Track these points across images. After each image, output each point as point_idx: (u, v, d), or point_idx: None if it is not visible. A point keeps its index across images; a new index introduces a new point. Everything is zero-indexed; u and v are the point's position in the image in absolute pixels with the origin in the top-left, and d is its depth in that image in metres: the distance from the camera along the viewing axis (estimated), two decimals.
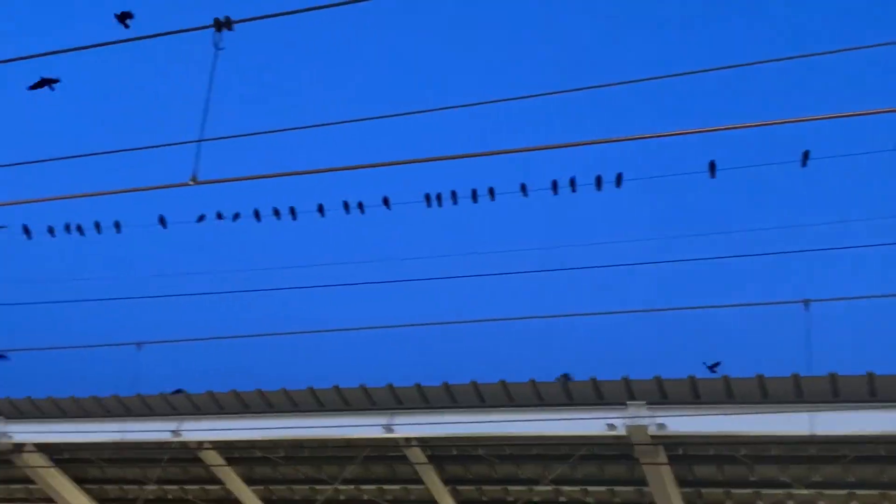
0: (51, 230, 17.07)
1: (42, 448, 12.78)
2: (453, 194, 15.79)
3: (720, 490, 11.37)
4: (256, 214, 17.07)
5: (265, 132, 5.36)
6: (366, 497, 12.80)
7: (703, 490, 11.39)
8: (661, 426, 10.03)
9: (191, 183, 4.95)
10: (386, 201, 16.33)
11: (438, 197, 15.84)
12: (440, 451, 11.69)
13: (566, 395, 10.50)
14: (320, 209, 16.55)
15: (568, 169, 14.37)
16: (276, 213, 16.93)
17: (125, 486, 13.59)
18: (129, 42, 4.82)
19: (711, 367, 11.64)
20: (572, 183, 14.41)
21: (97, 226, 17.09)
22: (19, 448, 12.62)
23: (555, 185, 14.54)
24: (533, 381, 10.54)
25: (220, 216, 17.23)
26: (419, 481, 11.99)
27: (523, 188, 15.15)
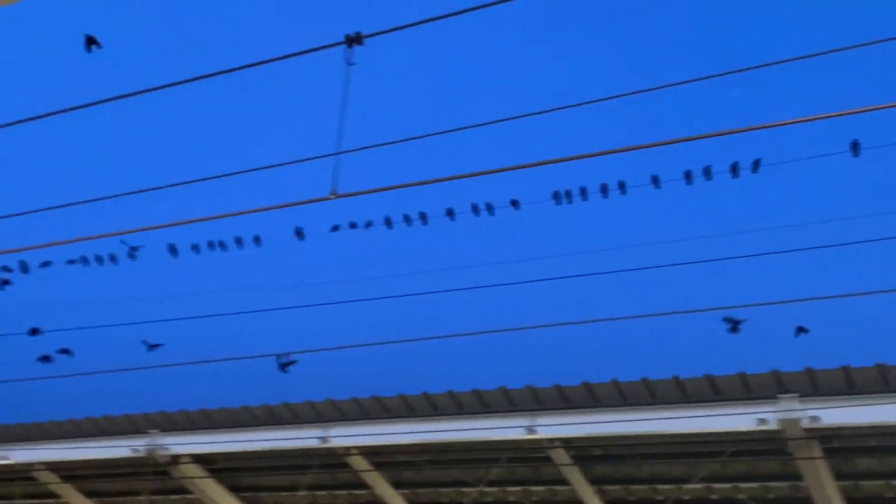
0: (195, 247, 17.72)
1: (198, 459, 13.25)
2: (582, 191, 15.65)
3: (881, 482, 10.92)
4: (388, 222, 17.31)
5: (399, 141, 5.43)
6: (511, 498, 12.81)
7: (862, 483, 10.97)
8: (815, 419, 9.71)
9: (331, 197, 5.06)
10: (514, 203, 16.31)
11: (567, 194, 15.73)
12: (584, 452, 11.59)
13: (712, 390, 10.26)
14: (449, 213, 16.69)
15: (703, 159, 14.06)
16: (407, 219, 17.13)
17: (278, 493, 13.96)
18: (266, 64, 4.95)
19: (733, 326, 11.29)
20: (707, 172, 14.09)
21: (238, 241, 17.67)
22: (176, 460, 13.11)
23: (688, 176, 14.26)
24: (676, 378, 10.35)
25: (353, 226, 17.54)
26: (565, 482, 11.92)
27: (654, 180, 14.89)
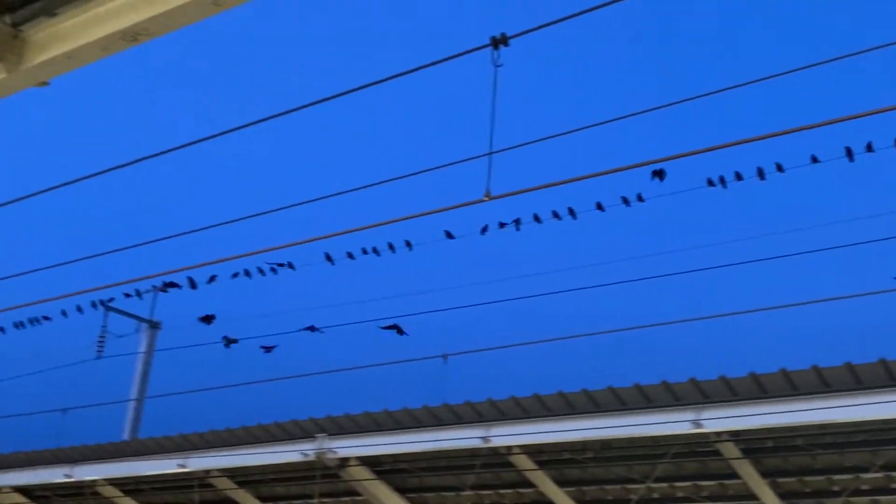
0: (350, 255, 18.13)
1: (365, 461, 13.54)
2: (738, 175, 15.20)
3: None
4: (536, 218, 17.27)
5: (549, 137, 5.41)
6: (680, 494, 12.57)
7: None
8: None
9: (485, 199, 5.09)
10: (661, 175, 15.86)
11: (721, 180, 15.31)
12: (754, 444, 11.26)
13: (889, 376, 9.79)
14: (598, 206, 16.51)
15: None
16: (556, 215, 17.05)
17: (443, 494, 14.12)
18: (414, 72, 5.02)
19: None
20: (869, 147, 13.47)
21: (391, 246, 17.97)
22: (344, 462, 13.43)
23: (849, 153, 13.65)
24: (849, 364, 9.92)
25: (502, 225, 17.58)
26: (735, 476, 11.61)
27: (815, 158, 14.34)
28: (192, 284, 19.07)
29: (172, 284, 19.60)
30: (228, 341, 18.46)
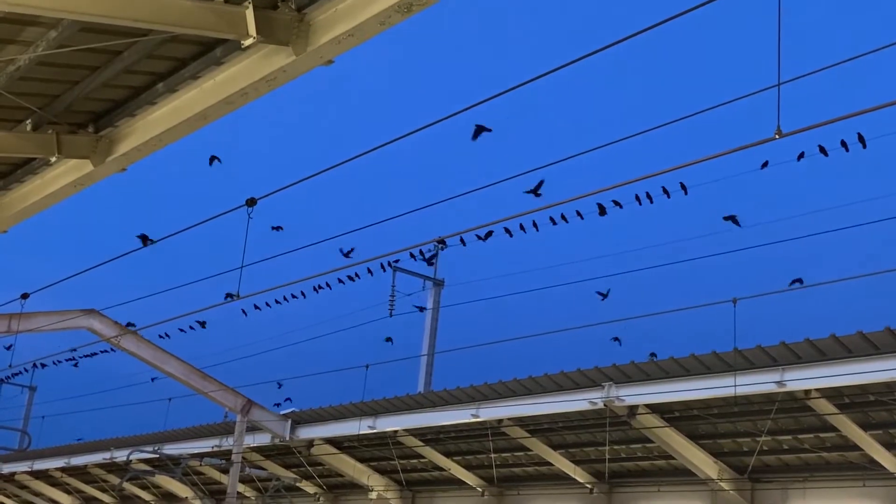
0: (615, 204, 18.05)
1: (654, 408, 13.45)
2: None
3: None
4: (822, 150, 16.39)
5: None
6: None
7: None
8: None
9: (776, 137, 4.86)
10: None
11: None
12: None
13: None
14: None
15: None
16: (844, 145, 16.10)
17: (738, 440, 13.79)
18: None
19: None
20: None
21: (664, 191, 17.73)
22: (634, 411, 13.39)
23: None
24: None
25: (800, 156, 16.85)
26: None
27: None
28: (462, 242, 19.71)
29: (441, 241, 20.34)
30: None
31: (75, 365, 26.17)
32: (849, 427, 12.34)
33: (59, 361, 25.40)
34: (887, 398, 11.77)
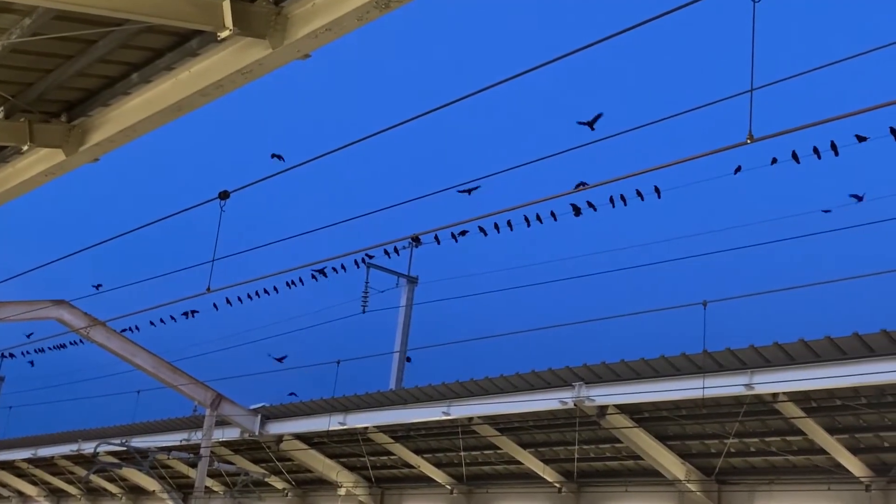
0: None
1: (623, 409, 13.51)
2: None
3: None
4: (794, 156, 16.50)
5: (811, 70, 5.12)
6: None
7: None
8: None
9: (748, 142, 4.91)
10: None
11: None
12: None
13: None
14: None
15: None
16: (816, 152, 16.21)
17: (706, 442, 13.88)
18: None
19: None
20: None
21: (639, 194, 17.76)
22: (603, 411, 13.46)
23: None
24: None
25: (773, 161, 16.95)
26: None
27: None
28: (437, 240, 19.67)
29: (416, 239, 20.24)
30: None
31: (31, 363, 25.98)
32: (815, 431, 12.45)
33: (27, 352, 25.22)
34: (854, 402, 11.89)
